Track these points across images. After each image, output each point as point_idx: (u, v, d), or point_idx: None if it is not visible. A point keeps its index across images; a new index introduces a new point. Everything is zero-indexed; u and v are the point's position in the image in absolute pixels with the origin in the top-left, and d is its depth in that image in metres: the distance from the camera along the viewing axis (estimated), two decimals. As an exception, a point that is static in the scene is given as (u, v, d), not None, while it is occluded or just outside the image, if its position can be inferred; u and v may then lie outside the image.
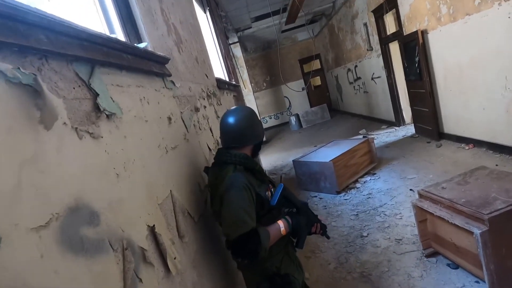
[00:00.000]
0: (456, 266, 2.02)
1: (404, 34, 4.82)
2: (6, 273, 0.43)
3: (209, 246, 1.35)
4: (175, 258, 0.93)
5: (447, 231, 1.96)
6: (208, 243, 1.34)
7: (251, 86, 8.37)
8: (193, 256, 1.13)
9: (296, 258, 1.40)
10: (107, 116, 0.79)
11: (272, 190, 1.33)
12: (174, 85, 1.43)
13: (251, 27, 7.76)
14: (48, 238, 0.52)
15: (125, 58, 0.95)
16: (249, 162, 1.25)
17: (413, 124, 5.38)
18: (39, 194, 0.53)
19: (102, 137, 0.74)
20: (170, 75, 1.36)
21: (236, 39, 7.66)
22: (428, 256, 2.18)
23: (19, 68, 0.53)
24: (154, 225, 0.88)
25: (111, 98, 0.82)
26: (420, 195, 2.14)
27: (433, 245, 2.18)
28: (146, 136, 1.01)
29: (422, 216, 2.14)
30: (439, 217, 1.92)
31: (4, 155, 0.48)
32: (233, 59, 7.02)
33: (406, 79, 5.14)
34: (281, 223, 1.23)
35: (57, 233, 0.54)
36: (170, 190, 1.09)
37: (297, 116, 9.84)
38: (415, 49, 4.49)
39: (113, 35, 1.04)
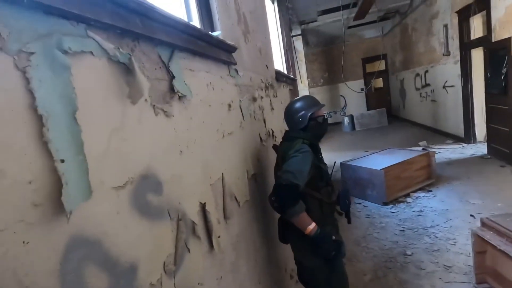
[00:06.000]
0: (514, 310, 1.78)
1: (493, 41, 4.23)
2: (92, 221, 0.52)
3: (248, 233, 1.40)
4: (219, 237, 1.00)
5: (511, 270, 1.73)
6: (247, 230, 1.39)
7: (308, 81, 8.20)
8: (234, 239, 1.19)
9: (340, 234, 1.56)
10: (179, 97, 0.86)
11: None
12: (237, 73, 1.49)
13: (316, 21, 7.54)
14: (124, 198, 0.60)
15: (200, 45, 1.01)
16: (314, 140, 1.46)
17: (485, 143, 4.76)
18: (120, 159, 0.61)
19: (173, 116, 0.82)
20: (235, 64, 1.41)
21: (299, 32, 7.53)
22: (481, 291, 1.96)
23: (119, 48, 0.61)
24: (205, 203, 0.95)
25: (184, 81, 0.89)
26: (483, 224, 1.91)
27: (489, 280, 1.95)
28: (208, 120, 1.08)
29: (481, 247, 1.92)
30: (503, 252, 1.70)
31: (100, 120, 0.57)
32: (294, 52, 6.93)
33: (486, 91, 4.54)
34: (314, 225, 1.28)
35: (130, 195, 0.62)
36: (222, 173, 1.15)
37: (351, 117, 9.41)
38: (504, 59, 3.92)
39: (191, 23, 1.12)
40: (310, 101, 1.53)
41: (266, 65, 2.42)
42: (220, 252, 1.01)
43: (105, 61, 0.59)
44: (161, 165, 0.75)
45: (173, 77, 0.83)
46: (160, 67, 0.80)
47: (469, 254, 2.25)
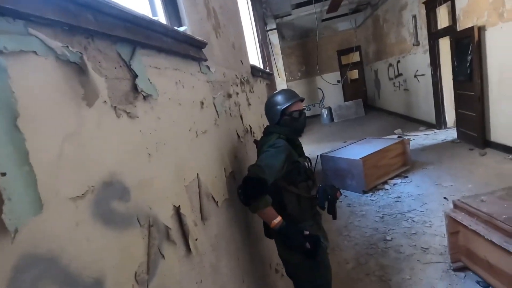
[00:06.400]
0: (486, 285, 1.89)
1: (458, 30, 4.42)
2: (46, 237, 0.47)
3: (229, 232, 1.38)
4: (196, 239, 0.96)
5: (481, 247, 1.83)
6: (228, 229, 1.37)
7: (285, 75, 8.22)
8: (213, 239, 1.16)
9: (323, 228, 1.56)
10: (144, 97, 0.81)
11: (308, 163, 1.51)
12: (209, 70, 1.44)
13: (290, 14, 7.54)
14: (84, 209, 0.56)
15: (165, 41, 0.97)
16: (291, 135, 1.46)
17: (455, 128, 5.01)
18: (78, 166, 0.56)
19: (137, 117, 0.77)
20: (206, 60, 1.37)
21: (274, 26, 7.50)
22: (456, 270, 2.06)
23: (67, 46, 0.56)
24: (179, 206, 0.91)
25: (149, 80, 0.85)
26: (455, 206, 2.01)
27: (462, 259, 2.05)
28: (179, 119, 1.03)
29: (454, 227, 2.02)
30: (474, 232, 1.79)
31: (50, 126, 0.52)
32: (269, 46, 6.91)
33: (454, 79, 4.75)
34: (279, 219, 1.27)
35: (91, 204, 0.58)
36: (197, 173, 1.11)
37: (329, 109, 9.57)
38: (469, 47, 4.11)
39: (155, 18, 1.06)
40: (284, 95, 1.51)
41: (241, 60, 2.38)
42: (198, 255, 0.98)
43: (52, 61, 0.54)
44: (127, 170, 0.70)
45: (136, 75, 0.79)
46: (120, 66, 0.75)
47: (444, 235, 2.36)
